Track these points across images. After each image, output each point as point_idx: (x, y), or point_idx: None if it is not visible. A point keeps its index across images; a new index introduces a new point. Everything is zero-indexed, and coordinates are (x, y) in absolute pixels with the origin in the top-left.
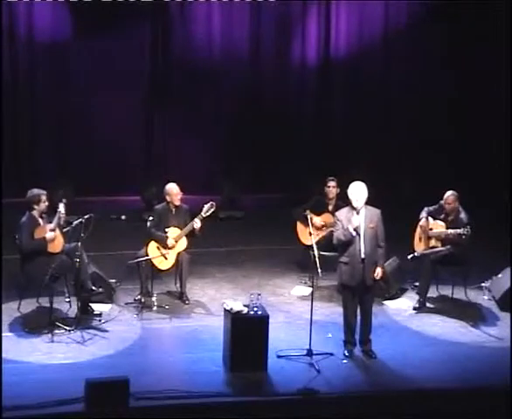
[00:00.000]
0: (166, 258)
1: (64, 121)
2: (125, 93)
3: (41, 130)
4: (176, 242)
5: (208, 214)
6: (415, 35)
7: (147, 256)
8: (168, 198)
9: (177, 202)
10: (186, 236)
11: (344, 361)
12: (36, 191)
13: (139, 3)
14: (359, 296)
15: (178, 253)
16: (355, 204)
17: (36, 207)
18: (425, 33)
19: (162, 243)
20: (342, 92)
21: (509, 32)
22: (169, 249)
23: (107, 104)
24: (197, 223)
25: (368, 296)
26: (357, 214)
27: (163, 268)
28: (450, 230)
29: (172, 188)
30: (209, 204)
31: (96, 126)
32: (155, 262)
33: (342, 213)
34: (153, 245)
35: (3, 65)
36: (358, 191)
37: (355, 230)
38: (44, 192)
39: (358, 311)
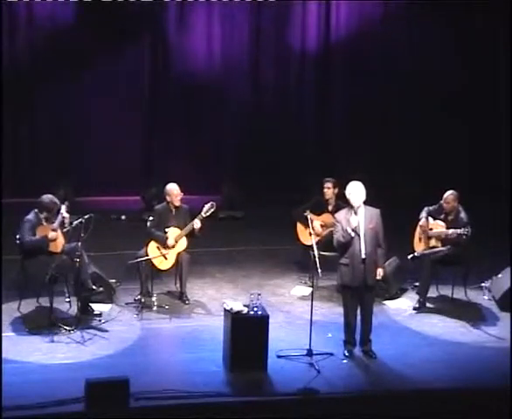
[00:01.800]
0: (166, 258)
1: (64, 121)
2: (125, 94)
3: (41, 130)
4: (176, 242)
5: (208, 214)
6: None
7: (147, 256)
8: (168, 198)
9: (177, 203)
10: (186, 236)
11: (344, 361)
12: (52, 199)
13: (138, 7)
14: (360, 296)
15: (178, 253)
16: (353, 205)
17: (45, 213)
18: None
19: (162, 243)
20: (341, 90)
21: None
22: (169, 249)
23: (107, 104)
24: (197, 224)
25: (369, 296)
26: (356, 214)
27: (163, 268)
28: (450, 230)
29: (173, 189)
30: (209, 204)
31: (96, 126)
32: (155, 262)
33: (341, 214)
34: (153, 245)
35: (3, 65)
36: (356, 191)
37: (353, 230)
38: (59, 203)
39: (358, 311)
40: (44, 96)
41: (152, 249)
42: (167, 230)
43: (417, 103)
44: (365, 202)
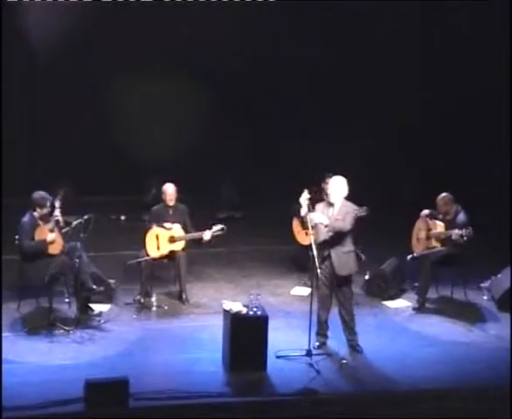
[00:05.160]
0: (159, 248)
1: (64, 121)
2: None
3: (42, 130)
4: (175, 241)
5: (215, 234)
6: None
7: (147, 256)
8: (163, 197)
9: (170, 203)
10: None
11: (344, 361)
12: (43, 195)
13: None
14: (335, 290)
15: (174, 252)
16: (330, 199)
17: (38, 210)
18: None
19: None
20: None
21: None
22: (169, 229)
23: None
24: (206, 235)
25: (344, 287)
26: (332, 207)
27: (154, 256)
28: (452, 231)
29: (167, 189)
30: (220, 226)
31: (97, 125)
32: (148, 247)
33: (319, 207)
34: (152, 233)
35: (2, 64)
36: (335, 186)
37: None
38: (50, 198)
39: (341, 308)
40: (44, 96)
41: (150, 237)
42: (170, 226)
43: (417, 103)
44: (347, 199)
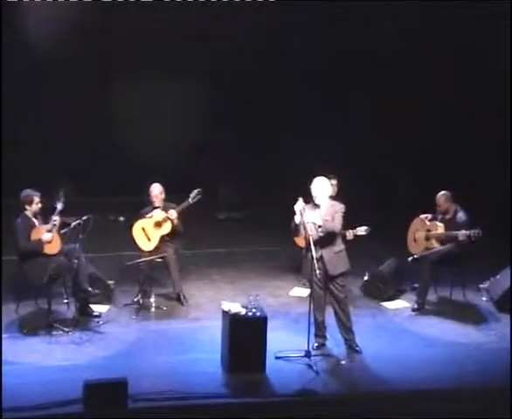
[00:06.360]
0: (150, 240)
1: (64, 121)
2: None
3: (42, 130)
4: (161, 225)
5: (195, 200)
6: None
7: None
8: (150, 198)
9: (156, 204)
10: (172, 229)
11: (343, 362)
12: (29, 192)
13: None
14: (330, 290)
15: (168, 234)
16: (316, 201)
17: (28, 207)
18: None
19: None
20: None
21: None
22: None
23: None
24: (171, 214)
25: (338, 288)
26: (319, 209)
27: (147, 249)
28: (458, 232)
29: (153, 189)
30: (196, 191)
31: (97, 125)
32: (139, 243)
33: (305, 209)
34: (138, 226)
35: (2, 64)
36: (317, 187)
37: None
38: (38, 193)
39: (336, 308)
40: (44, 96)
41: (137, 230)
42: (149, 214)
43: (417, 103)
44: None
